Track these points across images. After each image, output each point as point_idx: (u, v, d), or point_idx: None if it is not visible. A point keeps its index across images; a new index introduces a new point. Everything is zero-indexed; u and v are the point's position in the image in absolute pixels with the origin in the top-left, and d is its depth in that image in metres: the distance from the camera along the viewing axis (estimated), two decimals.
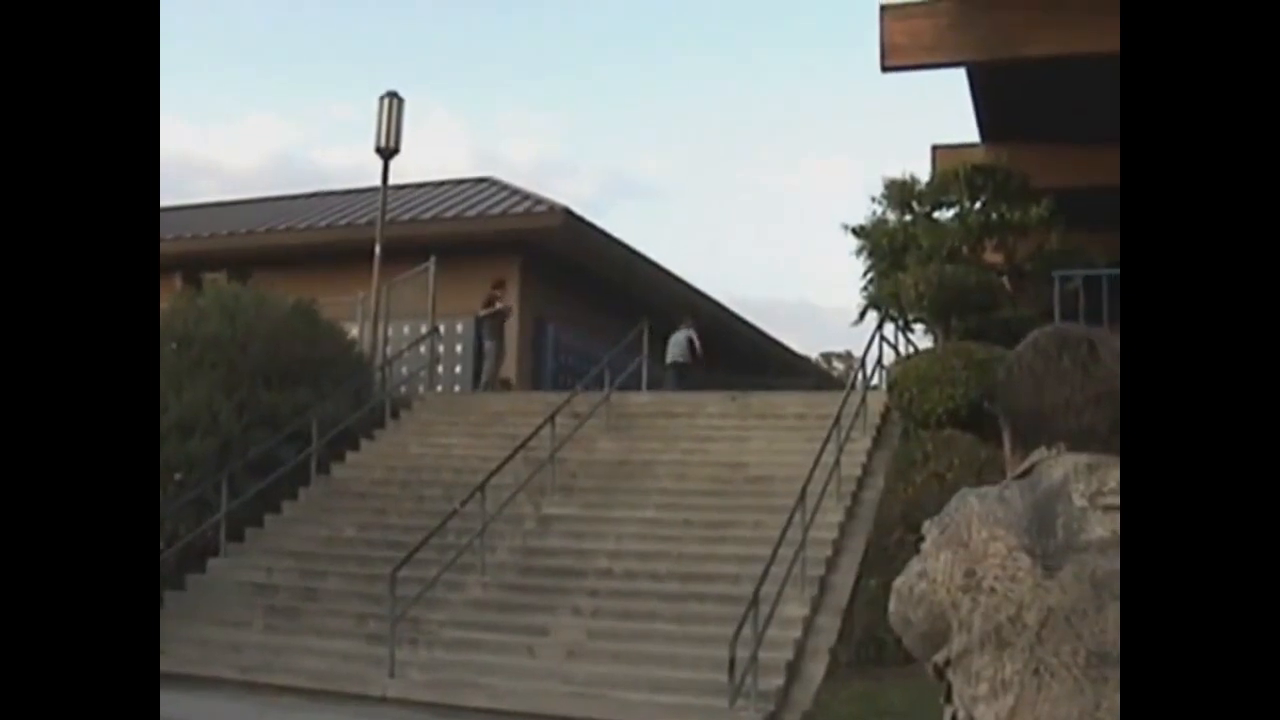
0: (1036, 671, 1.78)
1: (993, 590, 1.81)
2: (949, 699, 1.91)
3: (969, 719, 1.85)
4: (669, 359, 21.15)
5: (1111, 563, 1.78)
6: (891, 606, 1.98)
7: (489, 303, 19.84)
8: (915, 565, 1.93)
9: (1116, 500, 1.83)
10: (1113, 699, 1.75)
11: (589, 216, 22.59)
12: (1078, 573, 1.79)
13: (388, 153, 19.07)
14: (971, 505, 1.88)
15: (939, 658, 1.90)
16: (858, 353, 17.99)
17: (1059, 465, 1.89)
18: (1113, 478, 1.85)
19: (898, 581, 1.97)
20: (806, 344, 60.58)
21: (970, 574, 1.83)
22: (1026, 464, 1.94)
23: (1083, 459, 1.89)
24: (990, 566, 1.82)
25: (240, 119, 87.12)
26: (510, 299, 20.11)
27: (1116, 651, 1.76)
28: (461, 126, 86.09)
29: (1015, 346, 2.09)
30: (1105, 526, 1.81)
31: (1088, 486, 1.85)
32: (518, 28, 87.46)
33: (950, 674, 1.89)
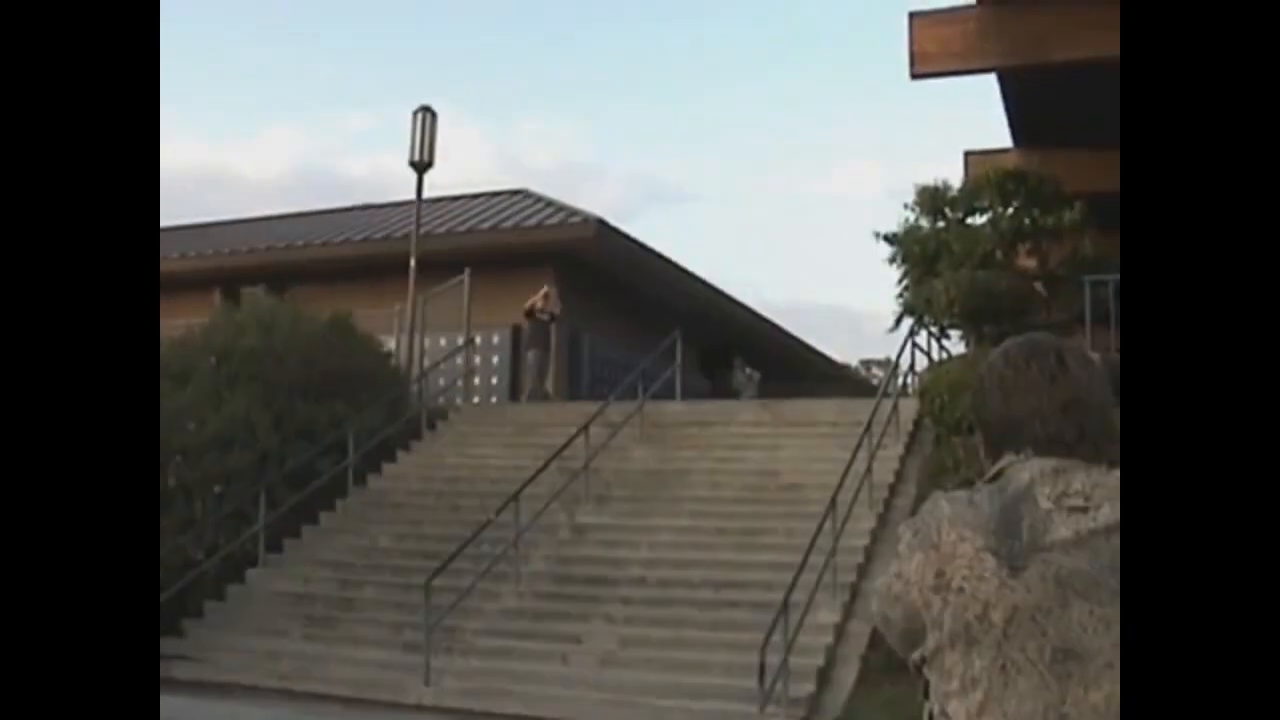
0: (1004, 668, 1.86)
1: (961, 590, 1.89)
2: (927, 695, 1.99)
3: (943, 713, 1.92)
4: (745, 397, 22.67)
5: (1075, 562, 1.85)
6: (874, 606, 2.06)
7: (530, 312, 19.83)
8: (893, 566, 2.00)
9: (1081, 502, 1.90)
10: (1077, 693, 1.82)
11: (616, 222, 22.68)
12: (1042, 572, 1.86)
13: (422, 166, 19.21)
14: (943, 508, 1.96)
15: (915, 656, 1.98)
16: None
17: (1025, 469, 1.97)
18: (1078, 481, 1.93)
19: (878, 582, 2.05)
20: (845, 351, 60.44)
21: (940, 574, 1.91)
22: (995, 468, 2.02)
23: (1049, 463, 1.96)
24: (959, 567, 1.89)
25: (260, 132, 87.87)
26: (553, 303, 20.05)
27: (1080, 647, 1.83)
28: (484, 133, 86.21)
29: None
30: (1069, 528, 1.88)
31: (1053, 489, 1.92)
32: (536, 32, 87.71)
33: (926, 671, 1.97)
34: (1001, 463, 2.02)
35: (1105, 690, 1.81)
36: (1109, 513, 1.88)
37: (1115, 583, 1.82)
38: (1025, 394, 2.03)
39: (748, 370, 24.76)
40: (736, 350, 25.22)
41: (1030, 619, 1.85)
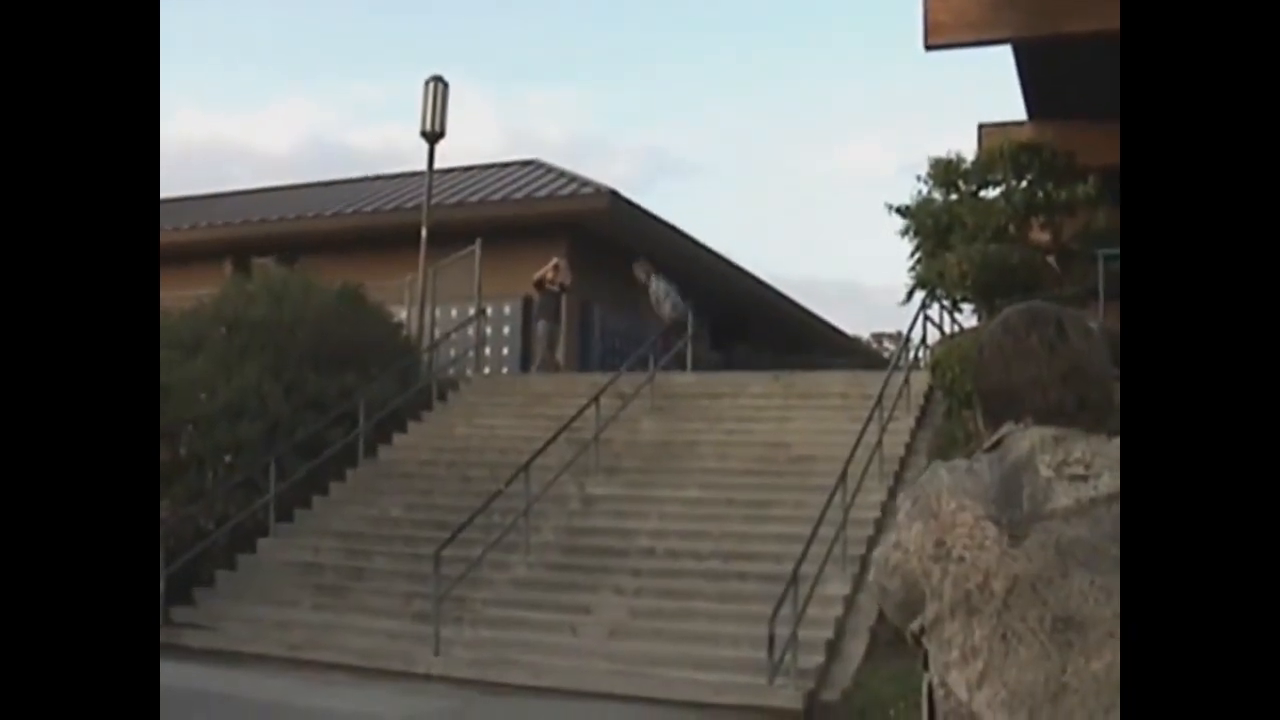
0: (1004, 637, 1.85)
1: (961, 559, 1.87)
2: (926, 666, 1.98)
3: (943, 684, 1.91)
4: (676, 315, 19.21)
5: (1076, 530, 1.84)
6: (871, 576, 2.06)
7: (540, 283, 19.76)
8: (891, 536, 1.99)
9: (1081, 470, 1.89)
10: (1078, 662, 1.81)
11: (628, 195, 22.57)
12: (1043, 541, 1.85)
13: (433, 137, 19.16)
14: (942, 477, 1.94)
15: (914, 626, 1.97)
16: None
17: (1026, 438, 1.95)
18: (1078, 449, 1.91)
19: (876, 552, 2.04)
20: (857, 324, 60.37)
21: (940, 544, 1.89)
22: (995, 437, 2.00)
23: (1049, 432, 1.94)
24: (959, 536, 1.88)
25: (269, 103, 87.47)
26: (563, 274, 19.84)
27: (1081, 616, 1.82)
28: (492, 105, 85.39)
29: None
30: (1070, 496, 1.87)
31: (1053, 458, 1.91)
32: (540, 4, 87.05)
33: (926, 641, 1.95)
34: (1001, 431, 2.01)
35: (1106, 659, 1.80)
36: (1109, 481, 1.87)
37: (1116, 551, 1.81)
38: (1025, 363, 2.02)
39: (652, 276, 19.77)
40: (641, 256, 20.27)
41: (1031, 588, 1.84)
